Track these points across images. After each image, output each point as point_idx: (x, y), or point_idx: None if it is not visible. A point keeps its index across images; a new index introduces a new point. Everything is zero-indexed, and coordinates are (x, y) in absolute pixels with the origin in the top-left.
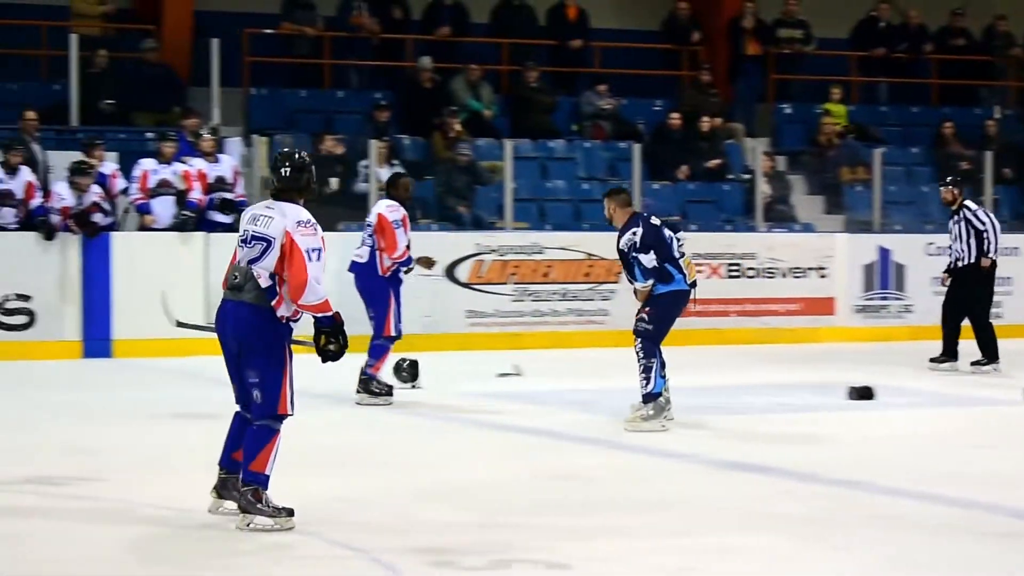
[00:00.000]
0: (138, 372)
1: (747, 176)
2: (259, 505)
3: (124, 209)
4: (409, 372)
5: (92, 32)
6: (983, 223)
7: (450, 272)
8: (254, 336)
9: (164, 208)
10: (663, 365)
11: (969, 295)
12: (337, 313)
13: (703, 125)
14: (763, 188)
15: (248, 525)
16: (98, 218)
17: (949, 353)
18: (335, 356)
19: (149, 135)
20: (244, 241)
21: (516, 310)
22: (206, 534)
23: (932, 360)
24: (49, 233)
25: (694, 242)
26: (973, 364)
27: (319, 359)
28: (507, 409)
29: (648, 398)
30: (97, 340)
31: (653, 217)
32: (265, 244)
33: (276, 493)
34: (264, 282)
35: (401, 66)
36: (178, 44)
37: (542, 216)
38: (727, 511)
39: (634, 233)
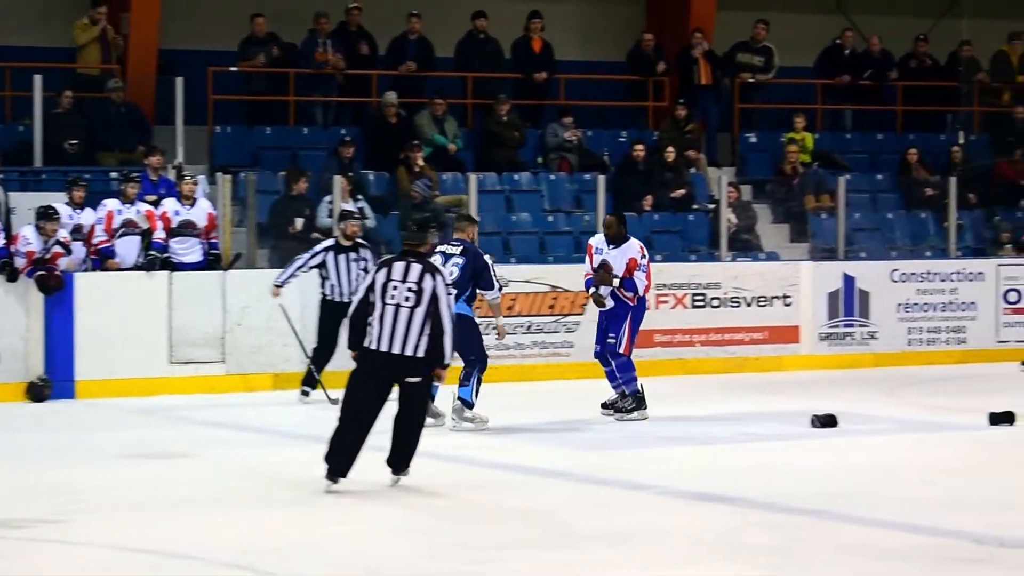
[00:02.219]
0: (101, 412)
1: (712, 206)
2: None
3: (89, 252)
4: None
5: (91, 72)
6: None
7: None
8: None
9: (128, 248)
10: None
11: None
12: None
13: (668, 156)
14: (728, 217)
15: None
16: (63, 262)
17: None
18: None
19: (113, 175)
20: None
21: None
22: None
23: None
24: (12, 275)
25: (658, 273)
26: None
27: None
28: (474, 444)
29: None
30: (60, 381)
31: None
32: None
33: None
34: None
35: (366, 101)
36: (143, 83)
37: (507, 249)
38: (697, 543)
39: None
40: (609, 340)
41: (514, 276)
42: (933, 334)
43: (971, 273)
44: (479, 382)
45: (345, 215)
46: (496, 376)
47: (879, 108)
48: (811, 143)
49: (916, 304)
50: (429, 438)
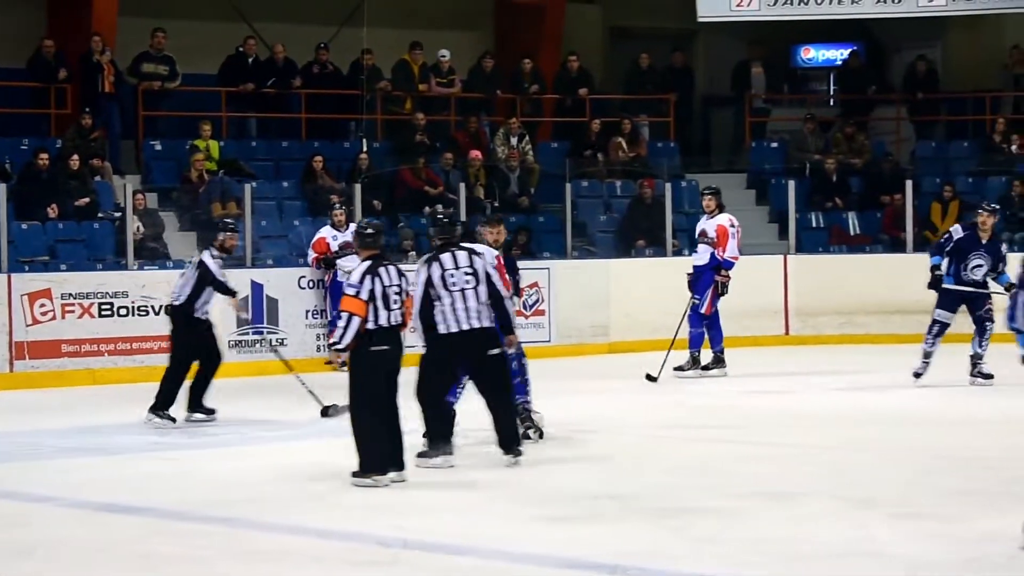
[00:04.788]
0: None
1: (117, 214)
2: None
3: None
4: None
5: None
6: None
7: None
8: None
9: None
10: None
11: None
12: None
13: (72, 164)
14: (135, 226)
15: None
16: None
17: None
18: None
19: None
20: None
21: None
22: None
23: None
24: None
25: (63, 283)
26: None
27: None
28: None
29: None
30: None
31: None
32: None
33: None
34: None
35: None
36: None
37: None
38: (101, 554)
39: None
40: None
41: None
42: None
43: None
44: None
45: (227, 226)
46: None
47: (283, 116)
48: (217, 151)
49: (323, 311)
50: None
